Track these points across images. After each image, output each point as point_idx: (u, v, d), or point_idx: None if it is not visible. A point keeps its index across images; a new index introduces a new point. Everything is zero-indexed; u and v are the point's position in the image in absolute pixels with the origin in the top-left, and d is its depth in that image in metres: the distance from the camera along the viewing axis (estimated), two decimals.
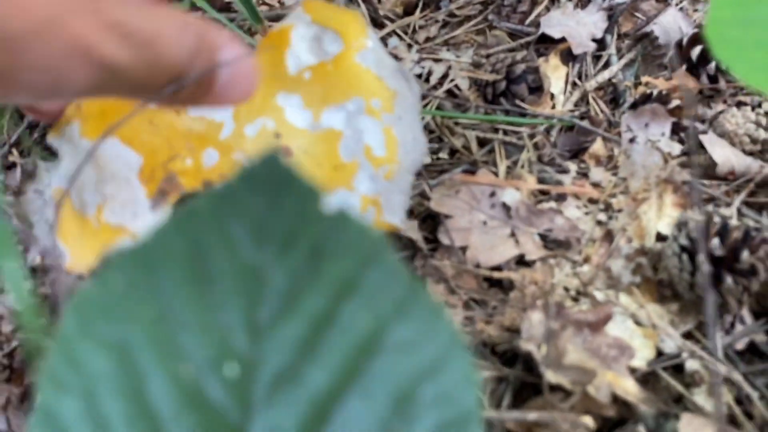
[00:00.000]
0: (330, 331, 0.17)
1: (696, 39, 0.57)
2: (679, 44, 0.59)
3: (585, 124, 0.56)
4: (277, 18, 0.66)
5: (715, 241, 0.40)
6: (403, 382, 0.16)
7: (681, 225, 0.42)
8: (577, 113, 0.59)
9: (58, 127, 0.42)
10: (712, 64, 0.56)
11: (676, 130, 0.54)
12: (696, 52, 0.56)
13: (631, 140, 0.51)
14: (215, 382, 0.17)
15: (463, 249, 0.46)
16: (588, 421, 0.34)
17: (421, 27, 0.69)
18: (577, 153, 0.57)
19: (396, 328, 0.16)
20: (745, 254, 0.39)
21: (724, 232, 0.40)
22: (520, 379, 0.40)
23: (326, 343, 0.17)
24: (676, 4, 0.65)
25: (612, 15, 0.65)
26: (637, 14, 0.66)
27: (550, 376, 0.36)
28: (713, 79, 0.56)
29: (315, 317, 0.17)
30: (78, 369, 0.17)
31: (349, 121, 0.41)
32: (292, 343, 0.17)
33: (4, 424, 0.43)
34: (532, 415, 0.35)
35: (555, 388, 0.37)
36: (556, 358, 0.36)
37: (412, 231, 0.47)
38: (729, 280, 0.39)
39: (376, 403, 0.16)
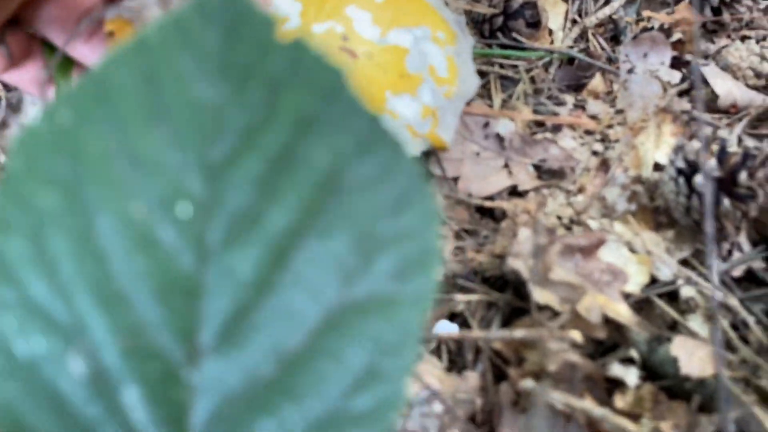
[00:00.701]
0: (289, 170, 0.16)
1: None
2: None
3: (583, 56, 0.55)
4: None
5: (713, 163, 0.39)
6: (364, 220, 0.15)
7: (678, 149, 0.41)
8: (575, 50, 0.57)
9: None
10: None
11: (677, 65, 0.52)
12: None
13: (630, 71, 0.50)
14: (167, 224, 0.16)
15: (455, 179, 0.45)
16: (576, 336, 0.33)
17: None
18: (575, 88, 0.55)
19: (357, 165, 0.15)
20: (743, 176, 0.38)
21: (722, 154, 0.39)
22: (510, 303, 0.39)
23: (285, 182, 0.16)
24: None
25: None
26: None
27: (538, 295, 0.35)
28: (717, 12, 0.55)
29: (273, 155, 0.16)
30: (24, 208, 0.16)
31: (416, 43, 0.43)
32: (248, 183, 0.16)
33: None
34: (519, 333, 0.34)
35: (544, 309, 0.36)
36: (543, 274, 0.35)
37: None
38: (726, 203, 0.38)
39: (336, 243, 0.15)
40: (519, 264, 0.36)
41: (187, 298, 0.16)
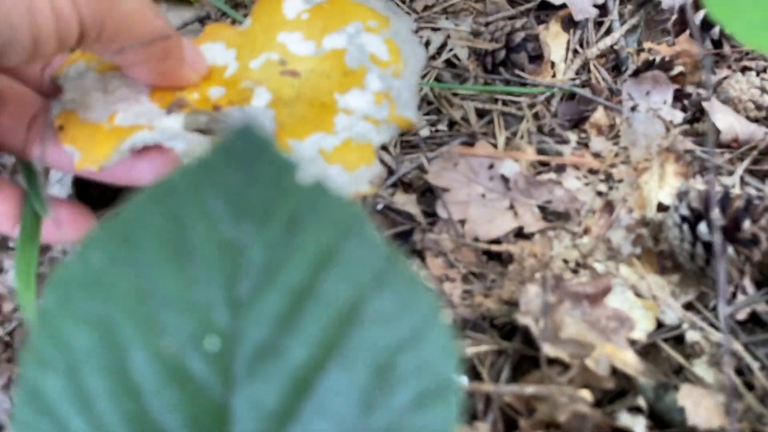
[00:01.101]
0: (309, 304, 0.17)
1: (699, 3, 0.56)
2: (681, 9, 0.58)
3: (586, 92, 0.55)
4: None
5: (717, 211, 0.39)
6: (383, 352, 0.16)
7: (682, 195, 0.41)
8: (578, 81, 0.58)
9: (61, 69, 0.41)
10: (716, 29, 0.55)
11: (679, 97, 0.53)
12: (699, 17, 0.55)
13: (633, 108, 0.50)
14: (197, 357, 0.16)
15: (462, 222, 0.45)
16: (586, 394, 0.34)
17: None
18: (577, 122, 0.56)
19: (375, 299, 0.16)
20: (746, 223, 0.39)
21: (725, 201, 0.40)
22: (519, 352, 0.40)
23: (306, 316, 0.16)
24: None
25: None
26: None
27: (548, 350, 0.36)
28: (717, 45, 0.55)
29: (294, 290, 0.17)
30: (60, 346, 0.16)
31: (350, 40, 0.43)
32: (271, 317, 0.17)
33: (7, 404, 0.43)
34: (530, 389, 0.35)
35: (553, 362, 0.36)
36: (554, 332, 0.36)
37: (411, 205, 0.47)
38: (730, 249, 0.39)
39: (356, 374, 0.16)
40: (528, 320, 0.37)
41: (216, 427, 0.17)
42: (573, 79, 0.58)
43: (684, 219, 0.40)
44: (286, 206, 0.17)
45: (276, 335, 0.17)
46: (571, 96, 0.56)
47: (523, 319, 0.37)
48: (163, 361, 0.17)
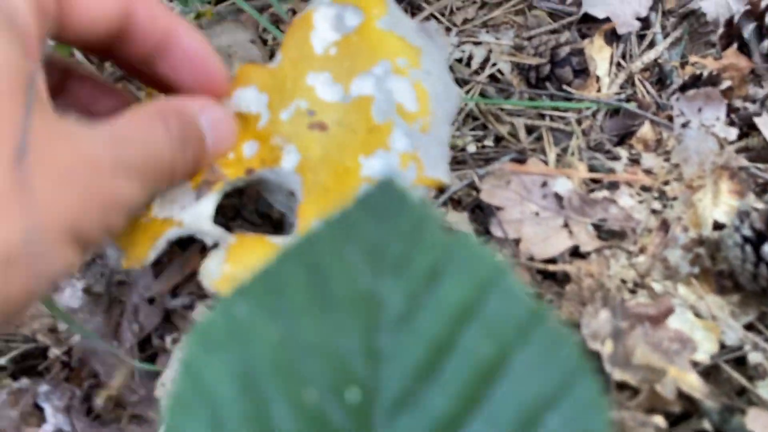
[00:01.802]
0: (450, 356, 0.17)
1: (750, 15, 0.55)
2: (729, 22, 0.58)
3: (632, 107, 0.55)
4: None
5: None
6: (528, 408, 0.16)
7: (742, 215, 0.41)
8: (623, 95, 0.58)
9: None
10: (766, 43, 0.54)
11: (728, 112, 0.53)
12: (749, 29, 0.55)
13: (684, 125, 0.50)
14: (337, 408, 0.17)
15: (516, 241, 0.46)
16: (659, 420, 0.34)
17: (458, 8, 0.67)
18: (624, 137, 0.56)
19: (519, 353, 0.16)
20: None
21: None
22: None
23: (446, 368, 0.17)
24: None
25: None
26: None
27: (617, 375, 0.36)
28: (766, 58, 0.55)
29: (434, 342, 0.17)
30: (203, 393, 0.17)
31: (378, 85, 0.41)
32: (411, 368, 0.17)
33: (68, 426, 0.43)
34: None
35: (621, 386, 0.36)
36: (624, 357, 0.36)
37: (464, 223, 0.47)
38: None
39: (499, 430, 0.16)
40: (598, 346, 0.37)
41: None
42: (618, 93, 0.58)
43: (746, 239, 0.40)
44: (426, 258, 0.17)
45: (416, 386, 0.17)
46: (616, 110, 0.56)
47: (593, 345, 0.37)
48: (304, 411, 0.17)
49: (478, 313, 0.17)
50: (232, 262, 0.35)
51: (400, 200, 0.17)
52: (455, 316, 0.17)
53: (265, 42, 0.62)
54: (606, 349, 0.37)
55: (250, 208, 0.52)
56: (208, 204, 0.39)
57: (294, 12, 0.64)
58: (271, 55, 0.60)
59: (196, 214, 0.39)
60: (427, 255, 0.17)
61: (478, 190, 0.49)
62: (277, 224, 0.51)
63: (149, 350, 0.48)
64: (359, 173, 0.38)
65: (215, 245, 0.38)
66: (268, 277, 0.16)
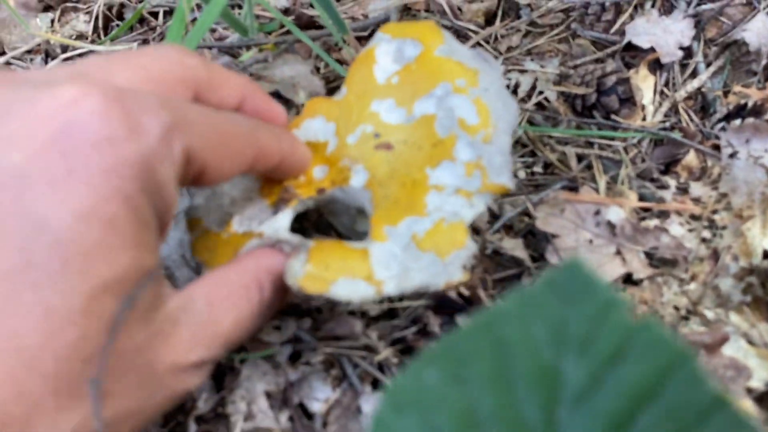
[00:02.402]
0: None
1: None
2: None
3: (677, 136, 0.57)
4: (363, 29, 0.68)
5: None
6: None
7: None
8: (667, 124, 0.59)
9: None
10: None
11: None
12: None
13: (732, 155, 0.52)
14: None
15: None
16: None
17: (502, 36, 0.69)
18: (669, 165, 0.57)
19: None
20: None
21: None
22: None
23: None
24: (764, 9, 0.65)
25: (699, 21, 0.65)
26: (722, 19, 0.66)
27: None
28: None
29: (612, 420, 0.18)
30: None
31: (439, 104, 0.43)
32: None
33: None
34: None
35: None
36: None
37: (518, 249, 0.49)
38: None
39: None
40: None
41: None
42: (663, 122, 0.60)
43: None
44: (609, 339, 0.18)
45: None
46: (661, 139, 0.58)
47: None
48: None
49: (659, 396, 0.18)
50: (314, 262, 0.38)
51: (587, 282, 0.18)
52: (635, 397, 0.18)
53: (318, 69, 0.65)
54: None
55: (310, 233, 0.54)
56: (285, 217, 0.42)
57: (343, 41, 0.66)
58: (327, 83, 0.63)
59: (275, 225, 0.41)
60: (611, 336, 0.18)
61: (530, 216, 0.51)
62: None
63: (215, 369, 0.50)
64: (427, 183, 0.41)
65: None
66: (455, 347, 0.18)
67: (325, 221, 0.51)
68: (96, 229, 0.25)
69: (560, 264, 0.19)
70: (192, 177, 0.33)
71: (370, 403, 0.43)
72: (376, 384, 0.45)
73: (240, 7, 0.71)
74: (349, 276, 0.37)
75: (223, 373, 0.50)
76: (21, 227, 0.25)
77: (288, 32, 0.65)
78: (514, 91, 0.64)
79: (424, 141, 0.43)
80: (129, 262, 0.26)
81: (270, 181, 0.45)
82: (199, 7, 0.66)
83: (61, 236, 0.25)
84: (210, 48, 0.61)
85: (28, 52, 0.72)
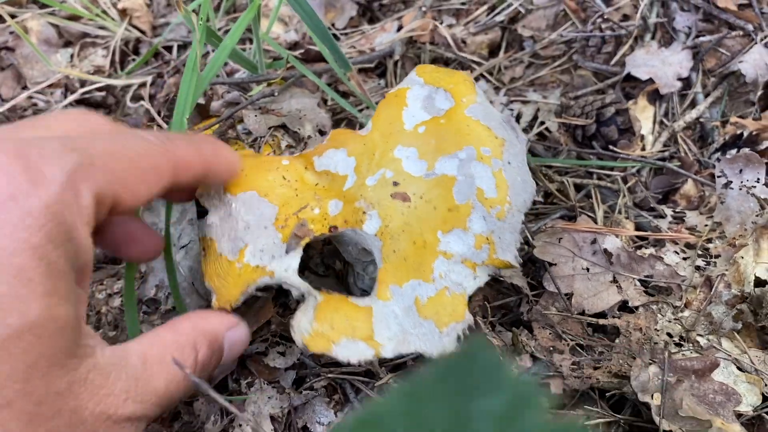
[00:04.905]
0: None
1: None
2: (767, 84, 0.61)
3: (675, 166, 0.58)
4: (369, 61, 0.71)
5: None
6: None
7: None
8: (666, 153, 0.61)
9: (203, 187, 0.47)
10: None
11: None
12: None
13: (725, 185, 0.53)
14: None
15: (569, 296, 0.49)
16: None
17: (506, 67, 0.72)
18: (668, 193, 0.59)
19: None
20: None
21: None
22: (630, 423, 0.43)
23: None
24: (762, 40, 0.66)
25: (697, 52, 0.66)
26: (721, 50, 0.67)
27: (666, 426, 0.39)
28: None
29: None
30: None
31: (461, 168, 0.44)
32: None
33: None
34: None
35: None
36: (672, 409, 0.39)
37: (518, 278, 0.51)
38: None
39: None
40: (648, 398, 0.40)
41: None
42: (661, 152, 0.61)
43: None
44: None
45: None
46: (660, 168, 0.59)
47: (643, 397, 0.40)
48: None
49: None
50: (320, 321, 0.40)
51: (493, 369, 0.18)
52: None
53: (325, 101, 0.67)
54: (654, 401, 0.40)
55: (316, 260, 0.56)
56: (296, 258, 0.43)
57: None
58: (334, 114, 0.65)
59: (286, 266, 0.43)
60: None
61: (529, 245, 0.53)
62: (339, 274, 0.55)
63: (224, 393, 0.52)
64: (437, 247, 0.42)
65: (301, 297, 0.42)
66: (373, 415, 0.19)
67: (333, 247, 0.53)
68: (4, 282, 0.27)
69: (461, 346, 0.19)
70: (107, 211, 0.33)
71: None
72: None
73: (250, 41, 0.74)
74: (350, 336, 0.39)
75: (230, 396, 0.52)
76: None
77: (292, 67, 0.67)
78: (516, 121, 0.65)
79: (440, 202, 0.44)
80: (39, 312, 0.27)
81: (286, 208, 0.46)
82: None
83: None
84: (222, 84, 0.63)
85: (49, 86, 0.75)
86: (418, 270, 0.41)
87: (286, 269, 0.42)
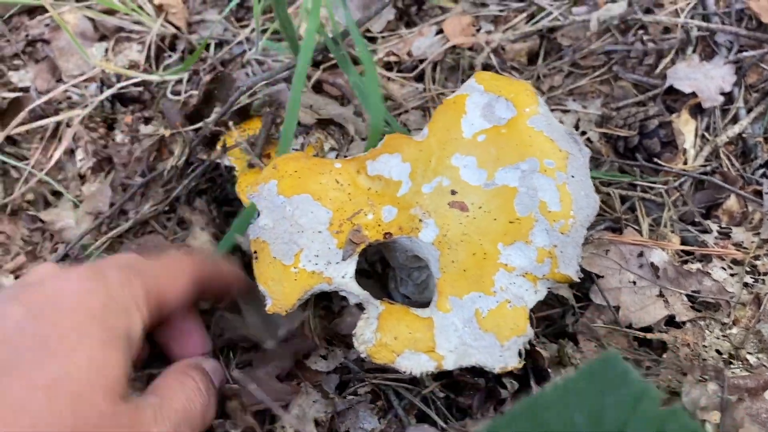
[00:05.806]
0: None
1: None
2: None
3: (718, 180, 0.58)
4: (410, 69, 0.71)
5: None
6: None
7: None
8: (708, 168, 0.60)
9: (257, 185, 0.46)
10: None
11: None
12: None
13: None
14: None
15: (617, 308, 0.48)
16: None
17: (545, 76, 0.71)
18: (710, 208, 0.58)
19: None
20: None
21: None
22: None
23: None
24: None
25: (740, 67, 0.66)
26: (763, 65, 0.67)
27: None
28: None
29: None
30: None
31: (523, 179, 0.44)
32: None
33: None
34: None
35: None
36: (733, 428, 0.39)
37: (564, 289, 0.50)
38: None
39: None
40: (707, 416, 0.39)
41: None
42: (703, 166, 0.61)
43: None
44: (642, 427, 0.20)
45: None
46: (702, 182, 0.59)
47: (701, 415, 0.39)
48: None
49: None
50: (383, 332, 0.39)
51: (623, 373, 0.20)
52: None
53: (360, 114, 0.67)
54: (712, 419, 0.39)
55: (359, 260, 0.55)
56: (352, 264, 0.43)
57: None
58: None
59: (343, 273, 0.42)
60: (644, 423, 0.20)
61: None
62: (381, 276, 0.55)
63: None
64: (498, 259, 0.41)
65: (359, 305, 0.42)
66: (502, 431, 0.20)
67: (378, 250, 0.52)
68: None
69: (598, 357, 0.21)
70: (157, 303, 0.41)
71: None
72: (421, 417, 0.46)
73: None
74: (413, 348, 0.39)
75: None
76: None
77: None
78: None
79: (501, 213, 0.43)
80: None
81: (340, 213, 0.45)
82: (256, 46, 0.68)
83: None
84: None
85: (85, 80, 0.75)
86: (479, 282, 0.41)
87: (344, 276, 0.42)
